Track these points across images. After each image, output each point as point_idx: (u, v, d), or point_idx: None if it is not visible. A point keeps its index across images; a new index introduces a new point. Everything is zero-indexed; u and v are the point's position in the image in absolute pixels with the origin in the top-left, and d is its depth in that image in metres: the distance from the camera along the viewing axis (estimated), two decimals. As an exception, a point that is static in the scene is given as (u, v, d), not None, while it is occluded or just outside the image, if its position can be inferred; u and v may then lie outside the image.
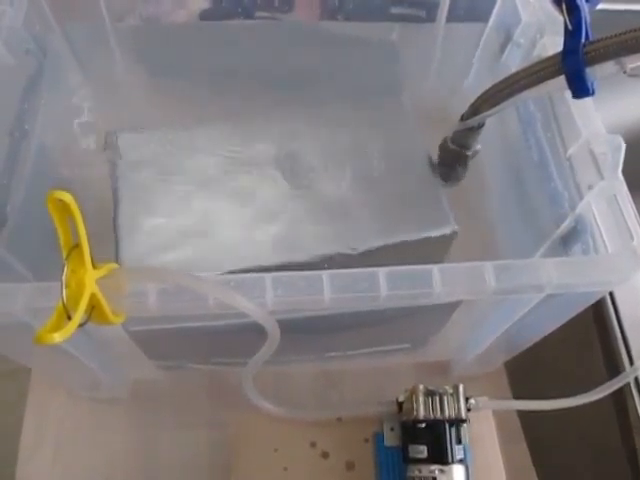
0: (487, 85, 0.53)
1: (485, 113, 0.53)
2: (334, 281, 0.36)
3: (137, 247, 0.47)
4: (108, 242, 0.49)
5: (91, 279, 0.32)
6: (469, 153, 0.57)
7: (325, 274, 0.36)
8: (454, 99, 0.64)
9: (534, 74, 0.47)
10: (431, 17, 0.61)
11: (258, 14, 0.59)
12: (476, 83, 0.62)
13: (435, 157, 0.59)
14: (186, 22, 0.57)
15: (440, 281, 0.37)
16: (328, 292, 0.36)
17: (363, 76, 0.63)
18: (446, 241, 0.54)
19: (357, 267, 0.50)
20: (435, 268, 0.37)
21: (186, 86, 0.59)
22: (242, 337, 0.43)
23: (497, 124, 0.56)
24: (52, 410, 0.61)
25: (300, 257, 0.49)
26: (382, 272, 0.36)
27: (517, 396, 0.65)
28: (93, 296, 0.33)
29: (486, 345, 0.53)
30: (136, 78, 0.60)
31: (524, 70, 0.48)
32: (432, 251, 0.55)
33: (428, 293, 0.37)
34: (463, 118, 0.56)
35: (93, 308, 0.34)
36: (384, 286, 0.36)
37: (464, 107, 0.56)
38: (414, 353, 0.62)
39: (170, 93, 0.59)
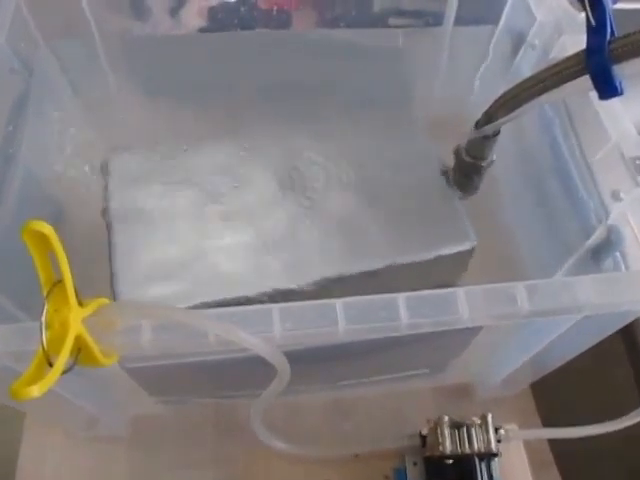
0: (499, 91, 0.49)
1: (501, 120, 0.49)
2: (349, 310, 0.32)
3: (134, 279, 0.43)
4: (104, 270, 0.46)
5: (77, 318, 0.28)
6: (484, 164, 0.54)
7: (339, 303, 0.32)
8: (464, 106, 0.61)
9: (555, 75, 0.43)
10: (437, 21, 0.58)
11: (256, 27, 0.56)
12: (487, 89, 0.59)
13: (448, 167, 0.55)
14: (180, 35, 0.54)
15: (467, 305, 0.33)
16: (343, 323, 0.32)
17: (367, 86, 0.60)
18: (465, 257, 0.50)
19: (370, 290, 0.47)
20: (461, 291, 0.33)
21: (182, 103, 0.55)
22: (248, 369, 0.39)
23: (512, 131, 0.52)
24: (49, 452, 0.57)
25: (307, 281, 0.45)
26: (402, 298, 0.32)
27: (545, 416, 0.61)
28: (80, 337, 0.29)
29: (513, 369, 0.49)
30: (130, 96, 0.57)
31: (544, 71, 0.44)
32: (450, 269, 0.51)
33: (454, 320, 0.33)
34: (477, 126, 0.52)
35: (80, 350, 0.30)
36: (405, 314, 0.32)
37: (476, 114, 0.52)
38: (433, 378, 0.58)
39: (165, 111, 0.56)
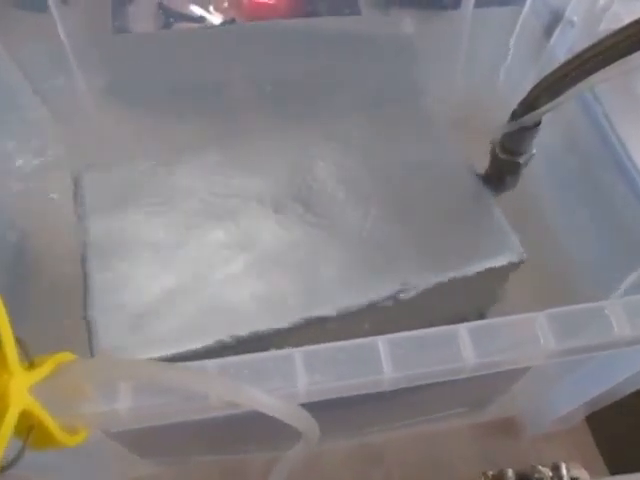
0: (529, 79, 0.41)
1: (543, 108, 0.42)
2: (396, 350, 0.24)
3: (116, 325, 0.35)
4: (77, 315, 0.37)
5: (21, 387, 0.20)
6: (521, 161, 0.46)
7: (381, 341, 0.24)
8: (488, 99, 0.53)
9: (611, 48, 0.36)
10: (455, 3, 0.50)
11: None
12: (514, 78, 0.51)
13: (478, 168, 0.47)
14: (161, 32, 0.46)
15: (552, 334, 0.24)
16: (389, 368, 0.23)
17: (377, 82, 0.52)
18: (510, 272, 0.42)
19: (402, 319, 0.38)
20: (541, 316, 0.25)
21: (165, 110, 0.47)
22: (261, 419, 0.30)
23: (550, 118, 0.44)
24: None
25: (327, 312, 0.36)
26: (464, 330, 0.24)
27: (606, 450, 0.52)
28: (27, 412, 0.20)
29: (576, 405, 0.41)
30: (104, 105, 0.49)
31: (596, 45, 0.37)
32: (491, 285, 0.43)
33: (536, 353, 0.24)
34: (514, 116, 0.44)
35: (32, 429, 0.21)
36: (470, 351, 0.24)
37: (503, 107, 0.45)
38: (473, 415, 0.49)
39: (146, 120, 0.48)
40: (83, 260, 0.38)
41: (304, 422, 0.24)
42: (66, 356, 0.24)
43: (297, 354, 0.24)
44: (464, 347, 0.24)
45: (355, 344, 0.24)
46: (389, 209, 0.42)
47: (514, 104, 0.52)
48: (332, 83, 0.50)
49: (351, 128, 0.47)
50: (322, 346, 0.24)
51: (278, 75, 0.48)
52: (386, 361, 0.24)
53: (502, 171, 0.47)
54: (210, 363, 0.24)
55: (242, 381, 0.23)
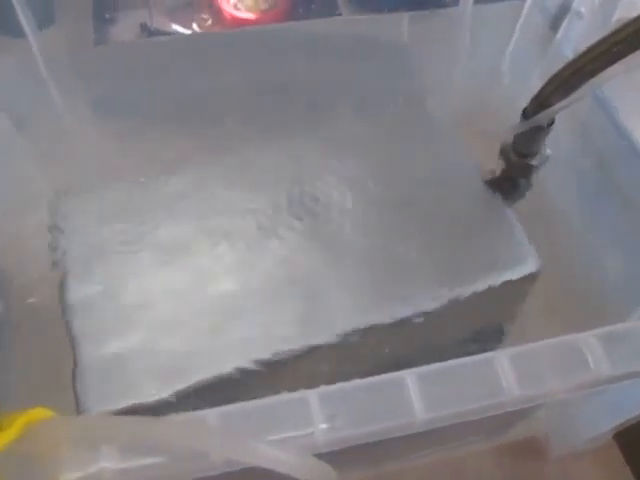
0: (534, 77, 0.38)
1: (558, 105, 0.39)
2: (426, 387, 0.20)
3: (102, 375, 0.31)
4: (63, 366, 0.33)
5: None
6: (535, 162, 0.42)
7: (409, 376, 0.20)
8: (491, 99, 0.50)
9: (634, 36, 0.33)
10: (453, 0, 0.47)
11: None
12: (520, 76, 0.48)
13: (490, 172, 0.44)
14: (141, 41, 0.43)
15: (605, 358, 0.21)
16: (421, 408, 0.20)
17: (374, 85, 0.49)
18: (528, 285, 0.38)
19: (414, 339, 0.34)
20: (590, 337, 0.21)
21: (148, 125, 0.44)
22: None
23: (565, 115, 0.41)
24: None
25: (332, 339, 0.33)
26: (504, 358, 0.20)
27: (637, 467, 0.49)
28: None
29: (610, 426, 0.37)
30: (84, 125, 0.45)
31: (616, 33, 0.34)
32: (508, 299, 0.40)
33: (587, 380, 0.21)
34: (526, 116, 0.41)
35: None
36: (512, 381, 0.20)
37: (507, 107, 0.42)
38: (497, 438, 0.46)
39: (127, 136, 0.44)
40: (64, 305, 0.34)
41: (322, 476, 0.20)
42: (41, 413, 0.20)
43: (312, 396, 0.20)
44: (504, 377, 0.21)
45: (379, 381, 0.20)
46: (397, 222, 0.39)
47: (520, 103, 0.49)
48: (326, 90, 0.46)
49: (350, 136, 0.43)
50: (341, 386, 0.20)
51: (268, 84, 0.45)
52: (417, 400, 0.20)
53: (515, 175, 0.44)
54: (212, 412, 0.20)
55: (248, 432, 0.19)
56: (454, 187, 0.42)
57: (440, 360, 0.41)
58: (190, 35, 0.45)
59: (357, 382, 0.21)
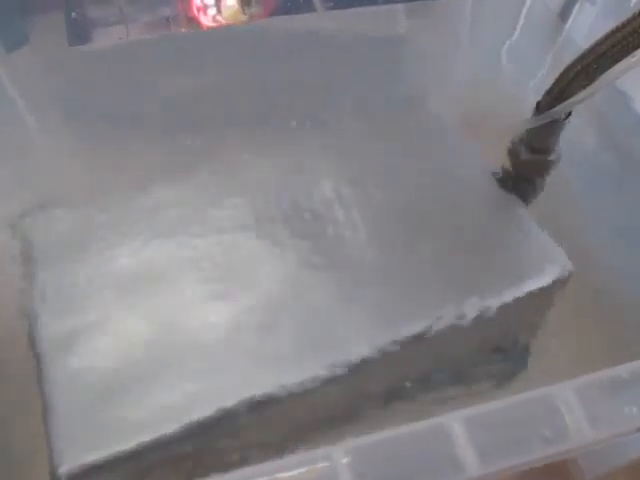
0: (541, 68, 0.35)
1: (577, 96, 0.35)
2: (477, 434, 0.16)
3: (80, 424, 0.26)
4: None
5: None
6: (552, 158, 0.39)
7: (456, 422, 0.16)
8: (496, 94, 0.47)
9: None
10: (451, -10, 0.44)
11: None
12: (527, 69, 0.45)
13: (502, 171, 0.40)
14: (115, 45, 0.39)
15: None
16: (473, 462, 0.16)
17: (372, 83, 0.45)
18: (555, 290, 0.34)
19: (428, 359, 0.30)
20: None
21: (126, 135, 0.40)
22: None
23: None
24: None
25: (343, 366, 0.28)
26: (570, 392, 0.16)
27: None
28: None
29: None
30: (50, 132, 0.40)
31: (635, 19, 0.30)
32: (534, 309, 0.36)
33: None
34: (540, 109, 0.38)
35: None
36: (583, 421, 0.16)
37: (513, 102, 0.42)
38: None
39: (103, 146, 0.39)
40: (35, 352, 0.29)
41: None
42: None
43: (336, 454, 0.16)
44: (571, 416, 0.16)
45: (419, 431, 0.16)
46: (406, 231, 0.35)
47: (527, 97, 0.45)
48: (322, 90, 0.43)
49: (350, 137, 0.39)
50: (372, 438, 0.16)
51: (257, 84, 0.41)
52: (467, 451, 0.16)
53: (529, 173, 0.40)
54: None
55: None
56: (464, 189, 0.39)
57: (461, 379, 0.36)
58: (167, 36, 0.41)
59: (392, 433, 0.16)
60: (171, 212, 0.34)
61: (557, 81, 0.37)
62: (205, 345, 0.29)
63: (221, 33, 0.43)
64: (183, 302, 0.30)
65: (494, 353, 0.39)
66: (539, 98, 0.39)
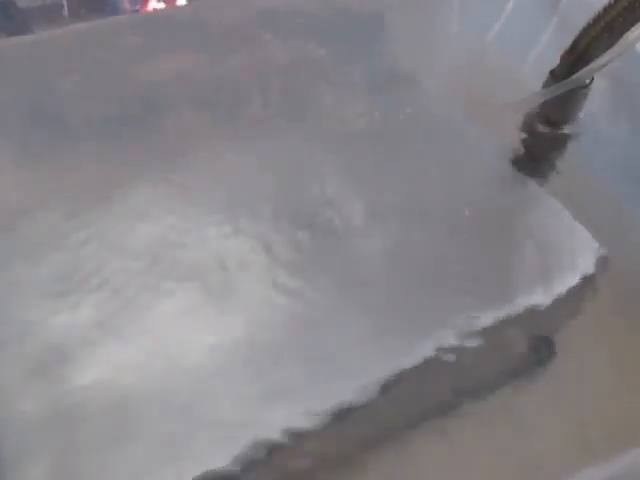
0: (549, 32, 0.37)
1: (600, 59, 0.31)
2: None
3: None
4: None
5: None
6: (572, 131, 0.35)
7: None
8: (490, 70, 0.42)
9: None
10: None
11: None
12: (526, 34, 0.41)
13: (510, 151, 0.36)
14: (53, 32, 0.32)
15: None
16: None
17: (356, 66, 0.40)
18: (588, 284, 0.30)
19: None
20: None
21: (78, 139, 0.33)
22: None
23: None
24: None
25: (355, 398, 0.23)
26: None
27: None
28: None
29: None
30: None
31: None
32: (565, 306, 0.32)
33: None
34: (555, 77, 0.34)
35: None
36: None
37: (507, 77, 0.38)
38: None
39: (44, 155, 0.33)
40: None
41: None
42: None
43: None
44: None
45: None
46: (422, 230, 0.30)
47: (530, 67, 0.41)
48: (302, 74, 0.37)
49: (341, 128, 0.34)
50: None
51: (231, 69, 0.35)
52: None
53: (544, 148, 0.36)
54: None
55: None
56: (477, 175, 0.34)
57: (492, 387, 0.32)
58: (119, 18, 0.34)
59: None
60: (134, 228, 0.28)
61: (575, 43, 0.33)
62: (185, 386, 0.23)
63: (186, 13, 0.37)
64: (158, 337, 0.24)
65: (522, 354, 0.35)
66: (537, 74, 0.35)
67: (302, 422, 0.23)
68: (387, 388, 0.25)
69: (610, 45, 0.31)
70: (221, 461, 0.22)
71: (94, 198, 0.30)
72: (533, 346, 0.35)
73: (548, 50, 0.43)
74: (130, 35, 0.38)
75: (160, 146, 0.34)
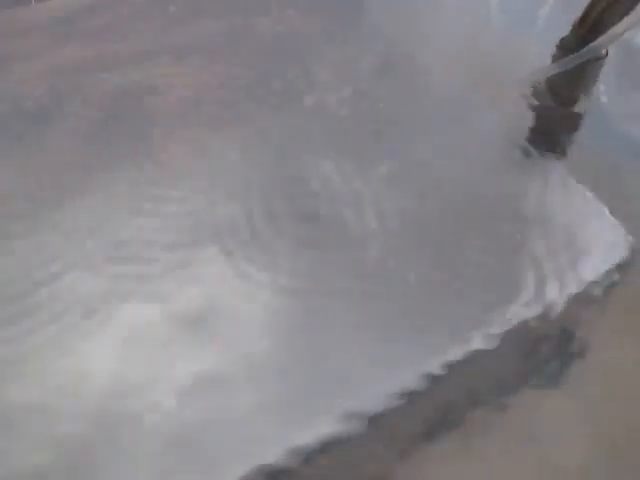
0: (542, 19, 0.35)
1: (620, 25, 0.27)
2: None
3: None
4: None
5: None
6: (581, 110, 0.31)
7: None
8: (487, 44, 0.39)
9: None
10: None
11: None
12: (521, 20, 0.38)
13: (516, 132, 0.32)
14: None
15: None
16: None
17: (348, 47, 0.36)
18: (617, 274, 0.27)
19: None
20: None
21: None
22: None
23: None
24: None
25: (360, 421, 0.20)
26: None
27: None
28: None
29: None
30: None
31: None
32: (594, 298, 0.29)
33: None
34: (564, 48, 0.30)
35: None
36: None
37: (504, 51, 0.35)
38: None
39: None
40: None
41: None
42: None
43: None
44: None
45: None
46: (437, 220, 0.26)
47: (524, 45, 0.38)
48: (287, 50, 0.33)
49: (336, 109, 0.30)
50: None
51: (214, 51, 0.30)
52: None
53: (554, 128, 0.33)
54: None
55: None
56: (492, 159, 0.31)
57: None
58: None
59: None
60: (91, 232, 0.24)
61: (589, 10, 0.29)
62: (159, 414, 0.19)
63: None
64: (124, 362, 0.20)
65: (548, 352, 0.32)
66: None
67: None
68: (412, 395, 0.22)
69: (628, 11, 0.28)
70: None
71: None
72: (561, 341, 0.32)
73: (553, 23, 0.40)
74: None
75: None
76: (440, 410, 0.26)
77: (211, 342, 0.22)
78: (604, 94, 0.34)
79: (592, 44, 0.29)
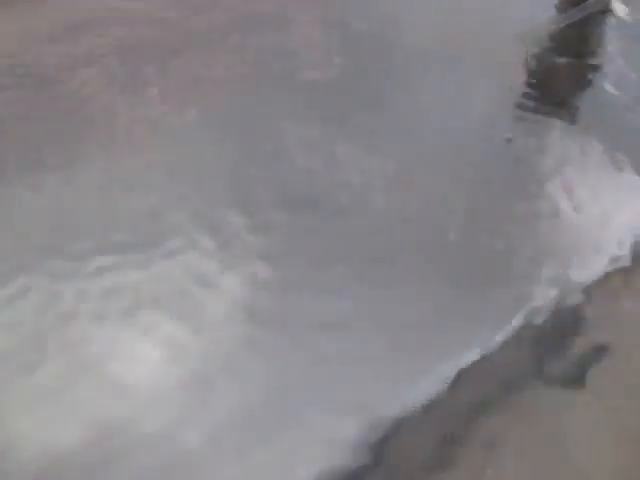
0: None
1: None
2: None
3: None
4: None
5: None
6: (594, 62, 0.32)
7: None
8: (471, 15, 0.39)
9: None
10: None
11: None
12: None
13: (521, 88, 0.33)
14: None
15: None
16: None
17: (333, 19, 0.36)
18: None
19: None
20: None
21: None
22: None
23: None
24: None
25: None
26: None
27: None
28: None
29: None
30: None
31: None
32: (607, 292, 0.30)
33: None
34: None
35: None
36: None
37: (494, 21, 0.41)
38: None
39: None
40: None
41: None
42: None
43: None
44: None
45: None
46: (444, 216, 0.27)
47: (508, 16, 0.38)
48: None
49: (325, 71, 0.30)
50: None
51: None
52: None
53: (564, 82, 0.33)
54: None
55: None
56: (489, 122, 0.31)
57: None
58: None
59: None
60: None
61: None
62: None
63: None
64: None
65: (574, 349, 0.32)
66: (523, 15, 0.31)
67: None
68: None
69: None
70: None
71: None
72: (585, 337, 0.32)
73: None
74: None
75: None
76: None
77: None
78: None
79: (584, 3, 0.28)
